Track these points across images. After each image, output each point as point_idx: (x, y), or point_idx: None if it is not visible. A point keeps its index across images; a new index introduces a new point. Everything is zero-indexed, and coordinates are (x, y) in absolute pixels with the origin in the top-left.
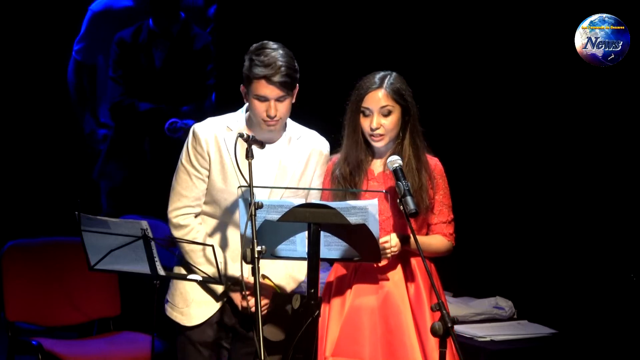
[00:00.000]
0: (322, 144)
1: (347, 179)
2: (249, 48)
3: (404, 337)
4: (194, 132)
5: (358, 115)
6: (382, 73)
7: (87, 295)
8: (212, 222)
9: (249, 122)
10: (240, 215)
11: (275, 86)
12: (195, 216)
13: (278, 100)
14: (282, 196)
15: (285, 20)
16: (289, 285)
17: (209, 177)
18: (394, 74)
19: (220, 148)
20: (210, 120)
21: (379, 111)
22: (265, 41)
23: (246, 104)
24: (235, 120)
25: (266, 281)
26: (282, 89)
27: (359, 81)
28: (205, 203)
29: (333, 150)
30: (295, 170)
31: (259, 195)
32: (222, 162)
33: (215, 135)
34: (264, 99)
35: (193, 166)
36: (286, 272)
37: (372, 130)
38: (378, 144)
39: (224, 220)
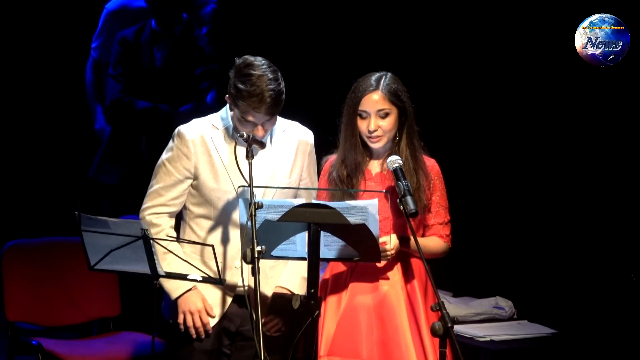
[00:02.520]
0: (307, 134)
1: (344, 182)
2: (235, 62)
3: (399, 338)
4: (179, 133)
5: (355, 117)
6: (377, 74)
7: (87, 295)
8: (207, 224)
9: (235, 125)
10: (240, 215)
11: (262, 116)
12: (170, 216)
13: (264, 123)
14: (274, 195)
15: (283, 20)
16: (304, 289)
17: (197, 178)
18: (389, 74)
19: (208, 147)
20: (195, 121)
21: (376, 113)
22: (250, 61)
23: (228, 105)
24: (220, 119)
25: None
26: (268, 116)
27: (355, 83)
28: (197, 205)
29: (329, 151)
30: (285, 163)
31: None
32: (211, 162)
33: (202, 134)
34: (251, 124)
35: (175, 167)
36: (301, 277)
37: (369, 132)
38: (376, 145)
39: (220, 220)
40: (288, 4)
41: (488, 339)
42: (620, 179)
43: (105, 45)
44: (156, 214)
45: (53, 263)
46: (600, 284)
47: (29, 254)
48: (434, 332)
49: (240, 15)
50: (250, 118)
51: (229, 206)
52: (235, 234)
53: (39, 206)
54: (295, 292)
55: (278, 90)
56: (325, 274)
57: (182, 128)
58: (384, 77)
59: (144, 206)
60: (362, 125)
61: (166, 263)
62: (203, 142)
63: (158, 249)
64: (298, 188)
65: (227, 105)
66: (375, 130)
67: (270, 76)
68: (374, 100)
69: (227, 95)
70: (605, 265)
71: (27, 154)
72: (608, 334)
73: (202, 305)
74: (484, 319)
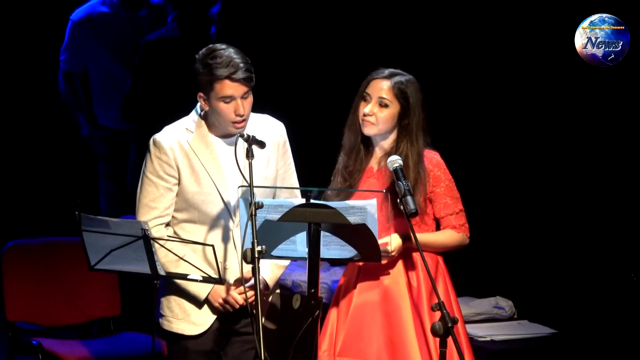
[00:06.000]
0: (278, 126)
1: (347, 167)
2: (197, 56)
3: (403, 333)
4: (155, 142)
5: (361, 98)
6: (397, 70)
7: (87, 295)
8: (193, 228)
9: (210, 124)
10: (241, 215)
11: (239, 83)
12: (166, 226)
13: (243, 97)
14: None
15: (284, 20)
16: (274, 273)
17: (179, 183)
18: (410, 76)
19: (187, 152)
20: (168, 128)
21: (377, 99)
22: (211, 45)
23: (198, 105)
24: (192, 121)
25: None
26: (246, 84)
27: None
28: (180, 210)
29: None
30: (260, 159)
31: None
32: (191, 166)
33: (178, 140)
34: (230, 99)
35: (160, 177)
36: (268, 261)
37: (364, 114)
38: (366, 130)
39: (205, 223)
40: (291, 3)
41: (488, 339)
42: (620, 179)
43: (73, 56)
44: (154, 227)
45: (53, 263)
46: (600, 284)
47: (29, 254)
48: (434, 332)
49: (245, 14)
50: (229, 91)
51: (214, 208)
52: (221, 235)
53: (39, 206)
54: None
55: (246, 60)
56: (340, 280)
57: (157, 137)
58: (400, 75)
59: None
60: (362, 106)
61: (182, 269)
62: (181, 147)
63: (171, 257)
64: (297, 188)
65: (199, 108)
66: (370, 115)
67: (233, 49)
68: (380, 87)
69: (199, 93)
70: (605, 265)
71: (27, 155)
72: (608, 334)
73: (225, 295)
74: (484, 319)
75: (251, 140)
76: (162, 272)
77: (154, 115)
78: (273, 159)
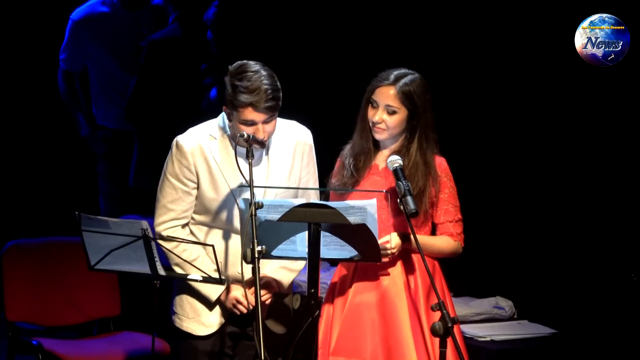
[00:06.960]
0: (305, 133)
1: (351, 165)
2: (229, 69)
3: (399, 333)
4: (177, 145)
5: (368, 104)
6: (402, 71)
7: (87, 295)
8: (207, 230)
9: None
10: (241, 215)
11: (262, 112)
12: (183, 227)
13: (265, 122)
14: (276, 194)
15: (282, 20)
16: (286, 277)
17: (198, 188)
18: (415, 76)
19: (207, 158)
20: (192, 131)
21: (385, 107)
22: (244, 62)
23: (224, 113)
24: (217, 128)
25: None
26: (268, 113)
27: (380, 73)
28: (198, 213)
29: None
30: (283, 166)
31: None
32: (210, 172)
33: (200, 145)
34: (251, 123)
35: (179, 180)
36: (278, 265)
37: (373, 122)
38: (377, 136)
39: (219, 227)
40: (289, 4)
41: (488, 339)
42: (620, 179)
43: (72, 56)
44: (171, 228)
45: (53, 263)
46: (600, 284)
47: (29, 254)
48: (434, 332)
49: (241, 16)
50: (251, 117)
51: (230, 215)
52: (236, 242)
53: (39, 206)
54: (272, 276)
55: (275, 86)
56: (333, 277)
57: (180, 139)
58: (406, 76)
59: (156, 221)
60: (371, 113)
61: (197, 266)
62: (202, 153)
63: (186, 257)
64: (298, 188)
65: (224, 115)
66: (379, 123)
67: (264, 73)
68: (386, 94)
69: (225, 106)
70: (605, 265)
71: (26, 155)
72: (608, 334)
73: (238, 296)
74: (484, 319)
75: (251, 140)
76: (162, 272)
77: (157, 115)
78: (297, 169)
